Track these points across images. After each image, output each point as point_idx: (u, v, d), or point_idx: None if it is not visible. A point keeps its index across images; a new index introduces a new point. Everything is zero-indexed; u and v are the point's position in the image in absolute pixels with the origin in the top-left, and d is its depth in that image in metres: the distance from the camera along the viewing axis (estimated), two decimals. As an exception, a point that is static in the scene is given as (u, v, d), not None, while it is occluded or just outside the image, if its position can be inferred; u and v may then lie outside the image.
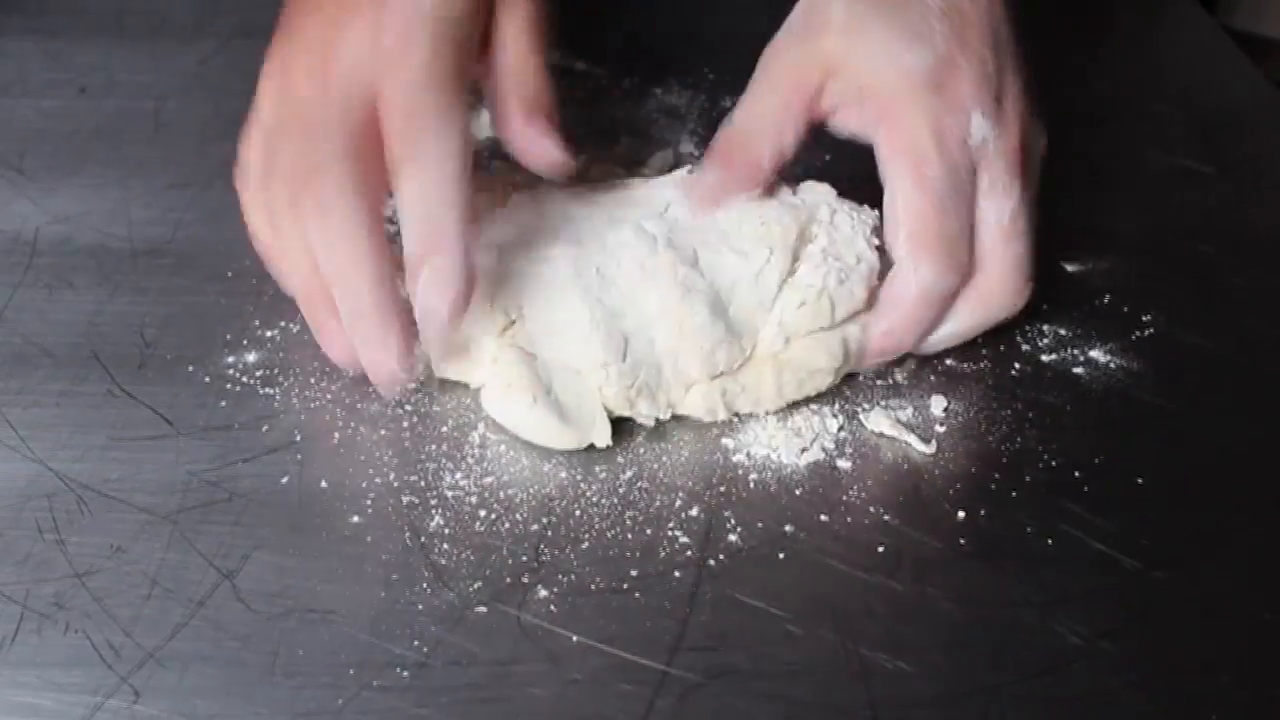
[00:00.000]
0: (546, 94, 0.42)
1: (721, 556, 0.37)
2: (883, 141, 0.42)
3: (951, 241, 0.41)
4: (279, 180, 0.40)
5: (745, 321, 0.42)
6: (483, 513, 0.39)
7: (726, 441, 0.41)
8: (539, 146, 0.42)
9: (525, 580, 0.37)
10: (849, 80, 0.42)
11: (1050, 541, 0.38)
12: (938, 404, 0.43)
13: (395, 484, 0.39)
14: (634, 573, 0.37)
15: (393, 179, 0.38)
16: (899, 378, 0.44)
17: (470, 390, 0.43)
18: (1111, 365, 0.45)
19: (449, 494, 0.39)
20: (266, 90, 0.41)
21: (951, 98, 0.41)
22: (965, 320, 0.43)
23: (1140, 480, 0.41)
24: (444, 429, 0.42)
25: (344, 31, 0.39)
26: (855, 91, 0.42)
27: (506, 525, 0.38)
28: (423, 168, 0.38)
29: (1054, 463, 0.41)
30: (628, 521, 0.38)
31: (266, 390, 0.43)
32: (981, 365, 0.45)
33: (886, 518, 0.39)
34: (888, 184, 0.42)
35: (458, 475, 0.40)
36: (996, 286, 0.42)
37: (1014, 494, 0.40)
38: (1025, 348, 0.46)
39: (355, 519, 0.38)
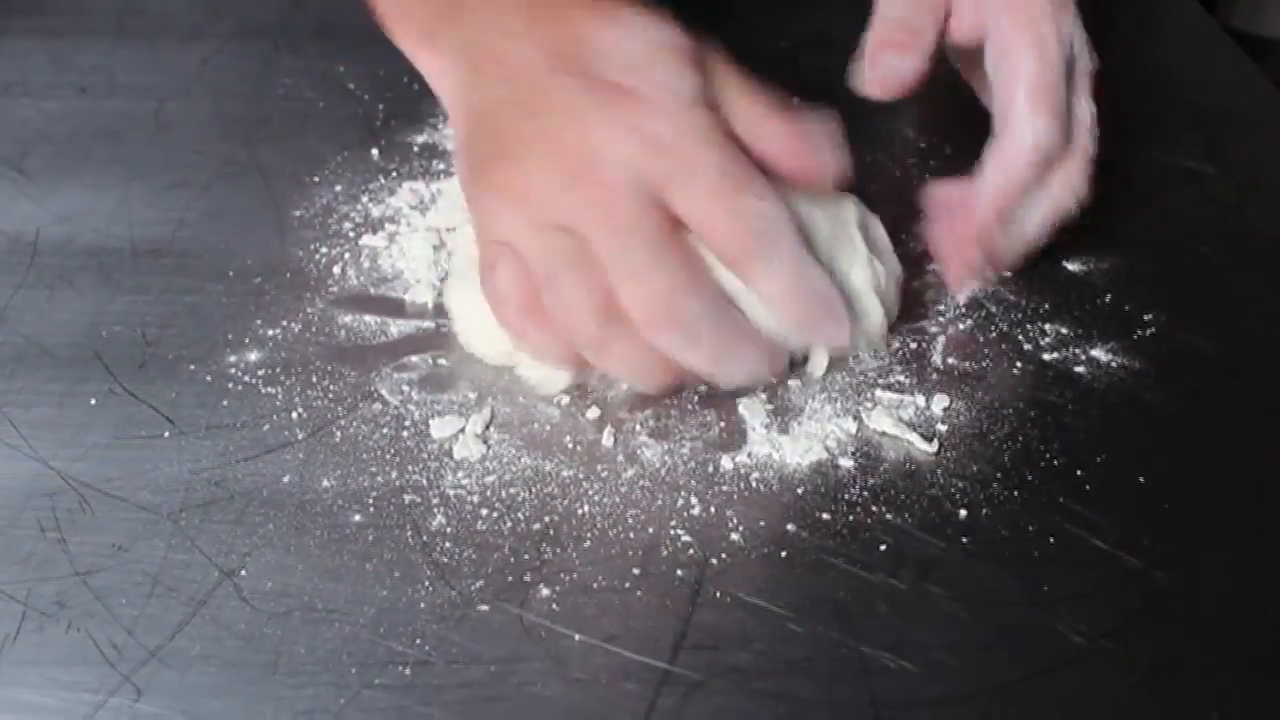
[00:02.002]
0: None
1: (723, 555, 0.37)
2: (1008, 26, 0.45)
3: (1061, 106, 0.45)
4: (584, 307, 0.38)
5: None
6: (485, 511, 0.39)
7: (728, 440, 0.41)
8: (815, 160, 0.41)
9: (527, 579, 0.37)
10: None
11: (1052, 540, 0.38)
12: (939, 403, 0.43)
13: (397, 483, 0.39)
14: (636, 571, 0.37)
15: (743, 277, 0.39)
16: (901, 376, 0.44)
17: (470, 388, 0.43)
18: (1113, 364, 0.45)
19: (451, 492, 0.39)
20: (505, 222, 0.40)
21: (1063, 8, 0.46)
22: (1048, 204, 0.46)
23: (1141, 479, 0.41)
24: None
25: (601, 133, 0.38)
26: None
27: (508, 524, 0.38)
28: (774, 259, 0.39)
29: (1055, 462, 0.41)
30: (630, 520, 0.38)
31: (268, 389, 0.43)
32: (983, 364, 0.45)
33: (888, 516, 0.39)
34: (1007, 58, 0.45)
35: (459, 474, 0.40)
36: (1078, 170, 0.46)
37: (1016, 493, 0.40)
38: (1027, 347, 0.46)
39: (357, 518, 0.38)
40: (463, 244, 0.47)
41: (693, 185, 0.38)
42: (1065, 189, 0.46)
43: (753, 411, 0.42)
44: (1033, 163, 0.45)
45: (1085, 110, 0.46)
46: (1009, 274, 0.48)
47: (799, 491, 0.40)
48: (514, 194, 0.39)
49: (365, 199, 0.53)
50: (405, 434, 0.41)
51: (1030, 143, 0.44)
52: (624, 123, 0.39)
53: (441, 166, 0.55)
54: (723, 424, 0.42)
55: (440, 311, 0.47)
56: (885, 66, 0.46)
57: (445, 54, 0.44)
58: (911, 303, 0.47)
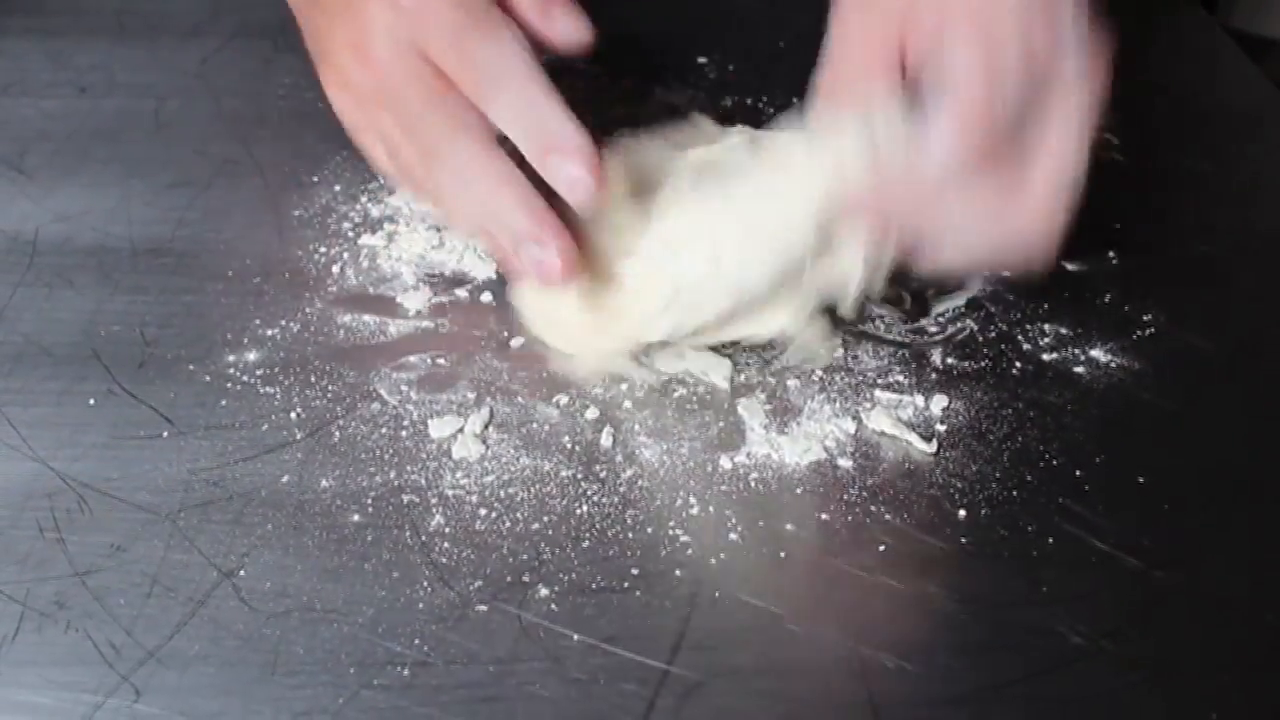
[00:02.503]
0: None
1: (722, 555, 0.37)
2: (959, 38, 0.39)
3: (995, 127, 0.38)
4: (415, 170, 0.43)
5: None
6: (483, 511, 0.39)
7: (727, 440, 0.41)
8: (560, 25, 0.44)
9: (526, 579, 0.36)
10: (925, 23, 0.40)
11: (1051, 541, 0.38)
12: (938, 403, 0.43)
13: (396, 483, 0.39)
14: (635, 571, 0.37)
15: (485, 112, 0.41)
16: (900, 376, 0.44)
17: (469, 388, 0.43)
18: (1112, 364, 0.45)
19: (449, 493, 0.39)
20: (346, 107, 0.45)
21: (1047, 12, 0.39)
22: (984, 237, 0.40)
23: (1140, 480, 0.41)
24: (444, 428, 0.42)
25: (368, 13, 0.42)
26: (934, 28, 0.40)
27: (507, 524, 0.38)
28: (502, 91, 0.41)
29: (1055, 462, 0.41)
30: (628, 520, 0.38)
31: (267, 389, 0.43)
32: (982, 364, 0.45)
33: (887, 517, 0.39)
34: (949, 53, 0.39)
35: (458, 474, 0.40)
36: (1029, 217, 0.39)
37: (1015, 493, 0.40)
38: (1026, 347, 0.46)
39: (356, 518, 0.38)
40: None
41: (435, 37, 0.41)
42: (1001, 233, 0.40)
43: (751, 412, 0.42)
44: (929, 169, 0.39)
45: (1054, 135, 0.39)
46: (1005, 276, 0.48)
47: (798, 491, 0.40)
48: (338, 86, 0.45)
49: (364, 199, 0.53)
50: (404, 434, 0.41)
51: (936, 157, 0.39)
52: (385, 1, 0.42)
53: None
54: (721, 424, 0.42)
55: (438, 311, 0.47)
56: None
57: None
58: (912, 303, 0.47)
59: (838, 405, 0.43)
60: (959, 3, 0.39)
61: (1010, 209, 0.40)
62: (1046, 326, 0.47)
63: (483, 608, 0.36)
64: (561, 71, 0.63)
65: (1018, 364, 0.45)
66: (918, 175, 0.40)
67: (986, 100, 0.38)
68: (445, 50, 0.41)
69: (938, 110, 0.39)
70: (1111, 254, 0.51)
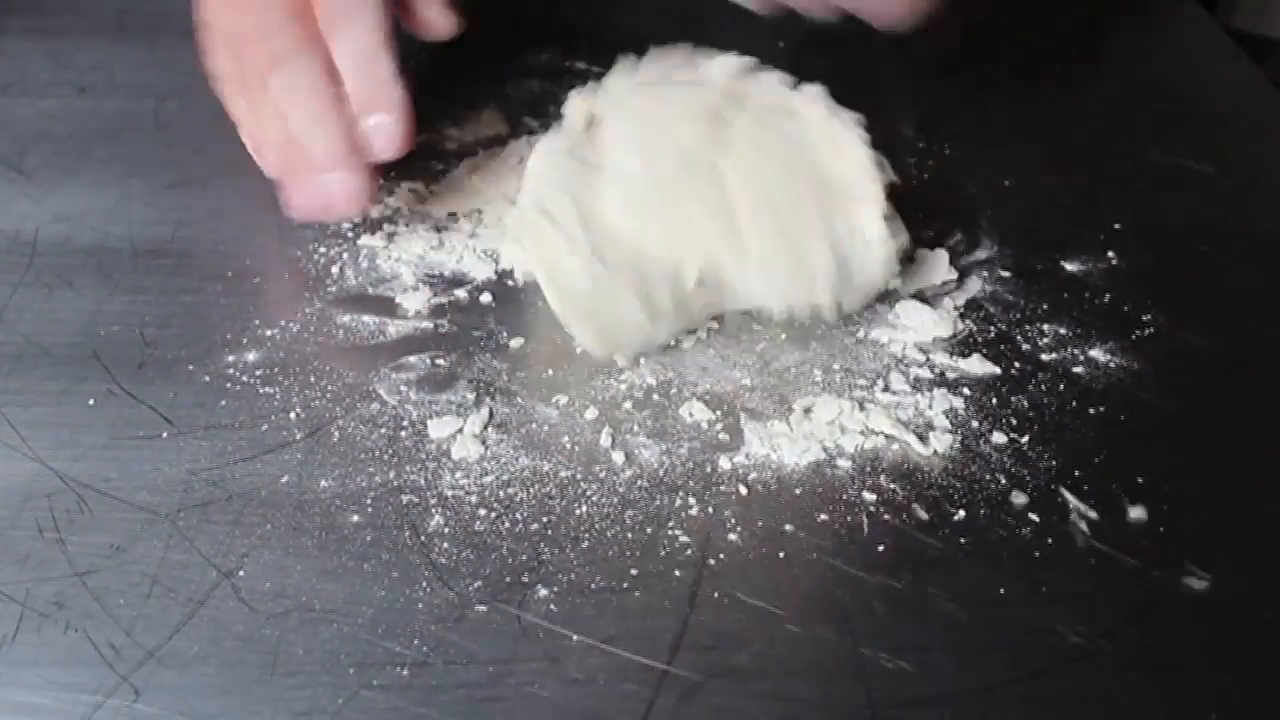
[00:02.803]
0: None
1: (721, 556, 0.37)
2: None
3: None
4: (252, 75, 0.46)
5: None
6: (483, 512, 0.39)
7: (726, 440, 0.41)
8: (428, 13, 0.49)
9: (525, 579, 0.37)
10: None
11: (1050, 541, 0.38)
12: (938, 403, 0.43)
13: (395, 483, 0.39)
14: (634, 572, 0.37)
15: (328, 42, 0.45)
16: (899, 377, 0.44)
17: (468, 388, 0.43)
18: (1111, 365, 0.45)
19: (449, 493, 0.39)
20: (210, 5, 0.48)
21: None
22: None
23: (1140, 480, 0.41)
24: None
25: None
26: None
27: (506, 524, 0.38)
28: (349, 27, 0.45)
29: (1054, 462, 0.41)
30: (628, 520, 0.38)
31: (266, 389, 0.43)
32: (982, 365, 0.45)
33: (886, 517, 0.39)
34: None
35: (458, 474, 0.40)
36: None
37: (1014, 493, 0.40)
38: (1025, 347, 0.46)
39: (355, 518, 0.38)
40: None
41: None
42: None
43: (750, 412, 0.42)
44: None
45: None
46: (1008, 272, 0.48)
47: (797, 492, 0.40)
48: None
49: (364, 199, 0.52)
50: (403, 434, 0.41)
51: None
52: None
53: (440, 166, 0.55)
54: (721, 425, 0.42)
55: (438, 312, 0.47)
56: None
57: None
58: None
59: (837, 405, 0.43)
60: None
61: None
62: (1045, 327, 0.47)
63: (482, 608, 0.36)
64: (560, 73, 0.63)
65: (1017, 364, 0.45)
66: None
67: None
68: None
69: None
70: (1111, 254, 0.51)
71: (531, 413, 0.42)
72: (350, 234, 0.50)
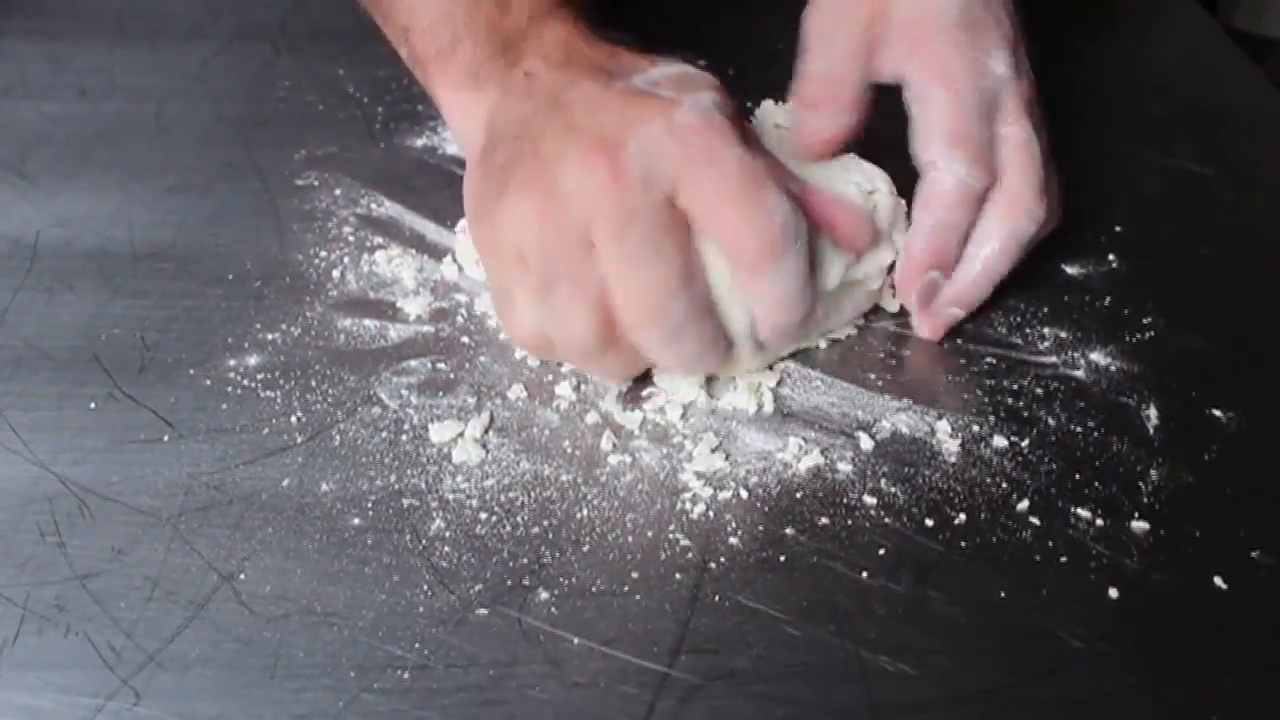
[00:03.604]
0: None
1: (722, 559, 0.37)
2: (917, 68, 0.45)
3: (982, 145, 0.44)
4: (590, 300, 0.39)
5: None
6: (484, 515, 0.39)
7: (727, 445, 0.41)
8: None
9: (526, 583, 0.37)
10: (889, 21, 0.45)
11: (1050, 543, 0.38)
12: (938, 407, 0.43)
13: (396, 486, 0.40)
14: (635, 575, 0.37)
15: (749, 277, 0.39)
16: (900, 381, 0.44)
17: (469, 392, 0.43)
18: (1111, 367, 0.45)
19: (450, 496, 0.39)
20: (516, 224, 0.39)
21: (979, 38, 0.45)
22: (996, 232, 0.45)
23: (1140, 482, 0.41)
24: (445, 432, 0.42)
25: (630, 115, 0.38)
26: (895, 31, 0.45)
27: (507, 528, 0.38)
28: (784, 265, 0.39)
29: (1054, 465, 0.41)
30: (628, 524, 0.38)
31: (267, 393, 0.43)
32: (982, 367, 0.45)
33: (887, 520, 0.39)
34: (920, 102, 0.44)
35: (459, 478, 0.40)
36: (1020, 191, 0.44)
37: (1014, 496, 0.40)
38: (1026, 350, 0.46)
39: (356, 521, 0.38)
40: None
41: (711, 177, 0.38)
42: (1014, 216, 0.44)
43: (751, 417, 0.42)
44: (956, 203, 0.44)
45: (1018, 132, 0.45)
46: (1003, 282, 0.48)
47: (798, 496, 0.40)
48: (531, 188, 0.39)
49: (365, 203, 0.53)
50: (404, 438, 0.41)
51: (950, 184, 0.44)
52: (653, 110, 0.38)
53: (440, 168, 0.55)
54: (721, 429, 0.42)
55: (438, 316, 0.47)
56: (807, 127, 0.45)
57: (483, 87, 0.44)
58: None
59: (837, 410, 0.43)
60: (915, 29, 0.45)
61: (1002, 193, 0.45)
62: (1046, 330, 0.47)
63: (483, 611, 0.36)
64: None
65: (1017, 367, 0.45)
66: (943, 200, 0.44)
67: (963, 121, 0.44)
68: (716, 194, 0.38)
69: (926, 145, 0.44)
70: (1111, 256, 0.51)
71: (533, 416, 0.42)
72: (351, 238, 0.50)
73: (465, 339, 0.46)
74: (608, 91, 0.39)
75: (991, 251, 0.45)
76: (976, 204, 0.44)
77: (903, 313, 0.47)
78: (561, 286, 0.38)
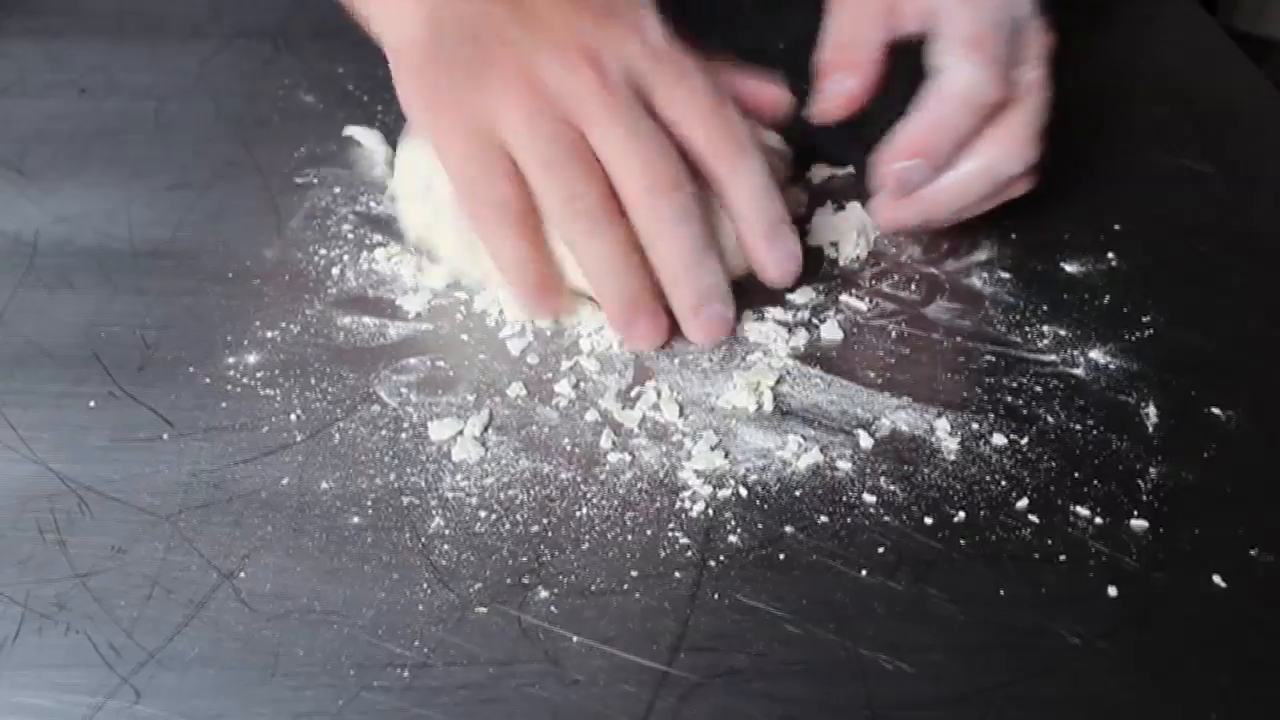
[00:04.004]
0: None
1: (721, 557, 0.38)
2: (944, 3, 0.45)
3: (999, 59, 0.44)
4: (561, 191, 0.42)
5: None
6: (483, 514, 0.39)
7: (726, 443, 0.41)
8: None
9: (526, 581, 0.37)
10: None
11: (1050, 542, 0.38)
12: (937, 405, 0.43)
13: (396, 485, 0.40)
14: (634, 574, 0.37)
15: (714, 178, 0.43)
16: (899, 379, 0.44)
17: (468, 390, 0.43)
18: (1111, 366, 0.45)
19: (449, 495, 0.39)
20: (502, 116, 0.42)
21: None
22: (982, 153, 0.45)
23: (1140, 481, 0.41)
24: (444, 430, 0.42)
25: (603, 34, 0.42)
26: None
27: (507, 526, 0.38)
28: (747, 170, 0.43)
29: (1053, 463, 0.41)
30: (628, 523, 0.39)
31: (267, 391, 0.43)
32: (981, 365, 0.45)
33: (886, 519, 0.39)
34: (947, 22, 0.44)
35: (458, 476, 0.40)
36: (1020, 129, 0.45)
37: (1013, 495, 0.40)
38: (1025, 348, 0.46)
39: (356, 520, 0.38)
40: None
41: (682, 90, 0.42)
42: (1006, 145, 0.45)
43: (751, 414, 0.42)
44: (962, 106, 0.44)
45: (1033, 72, 0.45)
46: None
47: (797, 494, 0.40)
48: (513, 78, 0.41)
49: (364, 200, 0.53)
50: (404, 436, 0.41)
51: (958, 85, 0.44)
52: (625, 26, 0.43)
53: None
54: (721, 427, 0.42)
55: (437, 314, 0.47)
56: (830, 87, 0.46)
57: None
58: (911, 306, 0.47)
59: (836, 408, 0.43)
60: None
61: (997, 126, 0.45)
62: (1045, 328, 0.47)
63: (482, 609, 0.36)
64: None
65: (1016, 365, 0.45)
66: (948, 101, 0.44)
67: (987, 34, 0.44)
68: (689, 103, 0.42)
69: (945, 50, 0.44)
70: (1110, 255, 0.51)
71: (532, 415, 0.42)
72: (350, 236, 0.50)
73: (465, 337, 0.46)
74: (575, 7, 0.43)
75: (970, 169, 0.45)
76: (979, 116, 0.44)
77: (903, 310, 0.47)
78: (564, 163, 0.41)
